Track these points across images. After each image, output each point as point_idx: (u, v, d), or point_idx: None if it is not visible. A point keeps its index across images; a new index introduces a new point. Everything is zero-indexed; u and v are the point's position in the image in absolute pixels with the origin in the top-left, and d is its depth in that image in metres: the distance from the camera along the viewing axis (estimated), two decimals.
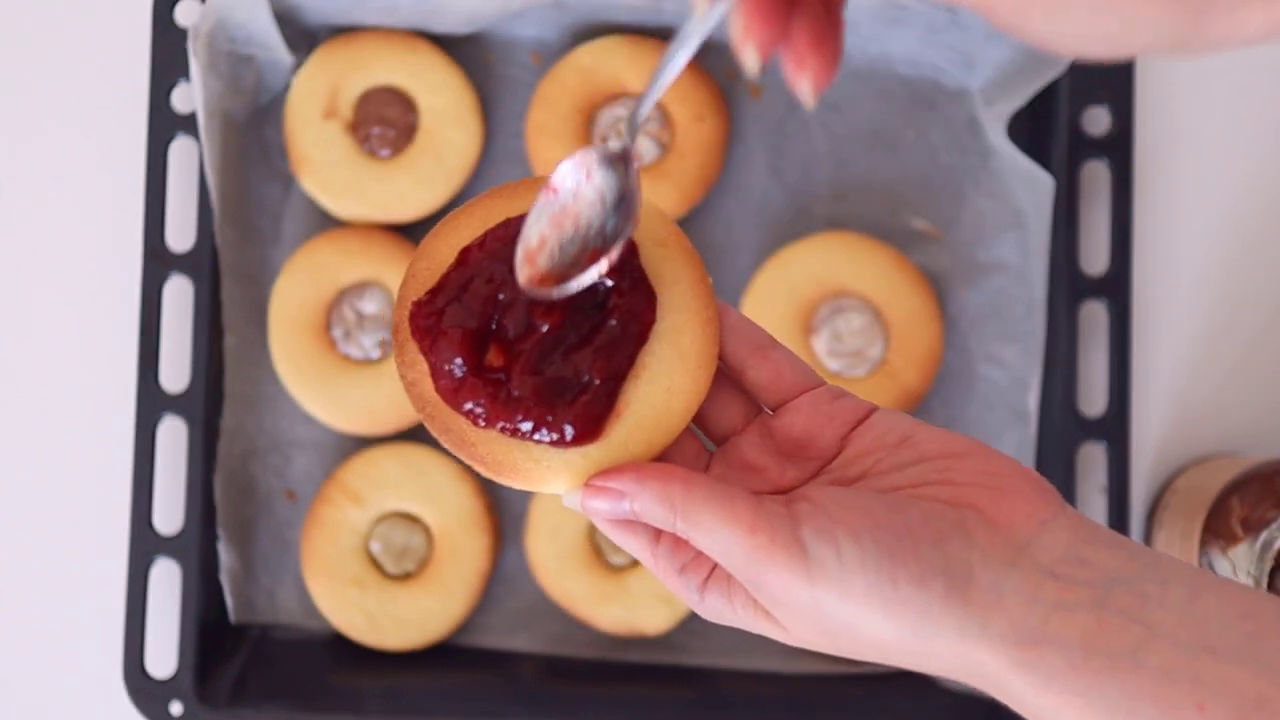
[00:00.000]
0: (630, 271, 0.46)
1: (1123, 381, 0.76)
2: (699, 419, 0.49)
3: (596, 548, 0.77)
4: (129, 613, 0.74)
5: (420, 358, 0.46)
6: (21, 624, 0.79)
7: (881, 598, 0.41)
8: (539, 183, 0.47)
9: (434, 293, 0.46)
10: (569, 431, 0.45)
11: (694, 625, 0.78)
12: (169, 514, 0.77)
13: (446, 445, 0.46)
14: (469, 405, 0.45)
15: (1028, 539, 0.42)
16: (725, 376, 0.49)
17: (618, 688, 0.76)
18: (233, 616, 0.78)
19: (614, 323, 0.46)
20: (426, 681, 0.76)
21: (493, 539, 0.78)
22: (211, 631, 0.76)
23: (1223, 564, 0.69)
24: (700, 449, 0.49)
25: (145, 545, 0.75)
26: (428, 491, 0.77)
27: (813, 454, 0.47)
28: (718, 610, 0.45)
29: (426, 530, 0.78)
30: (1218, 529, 0.69)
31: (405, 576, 0.77)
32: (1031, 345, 0.77)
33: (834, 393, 0.47)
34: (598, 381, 0.45)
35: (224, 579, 0.77)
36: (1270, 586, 0.67)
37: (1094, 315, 0.78)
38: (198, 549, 0.75)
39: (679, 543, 0.45)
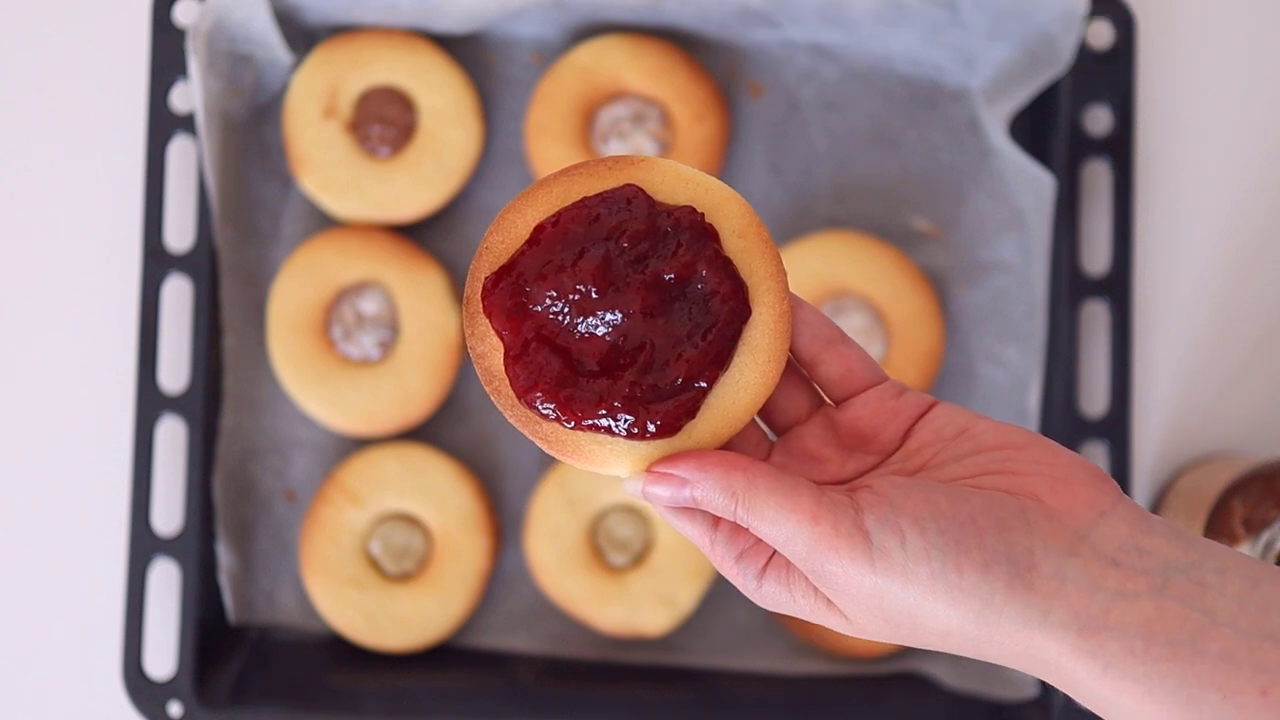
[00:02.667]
0: (726, 271, 0.46)
1: (1124, 381, 0.76)
2: (763, 409, 0.49)
3: (596, 548, 0.77)
4: (128, 613, 0.74)
5: (491, 333, 0.46)
6: (21, 624, 0.79)
7: (946, 585, 0.41)
8: (621, 162, 0.47)
9: (506, 269, 0.46)
10: (651, 429, 0.45)
11: (694, 626, 0.78)
12: (168, 514, 0.77)
13: (510, 420, 0.46)
14: (544, 407, 0.45)
15: (1087, 528, 0.43)
16: (791, 367, 0.49)
17: (618, 688, 0.76)
18: (232, 617, 0.77)
19: (716, 328, 0.45)
20: (426, 682, 0.76)
21: (492, 539, 0.77)
22: (210, 632, 0.76)
23: None
24: (761, 438, 0.49)
25: (144, 546, 0.75)
26: (427, 492, 0.77)
27: (875, 448, 0.47)
28: (776, 598, 0.45)
29: (426, 531, 0.77)
30: (1219, 529, 0.69)
31: (405, 577, 0.77)
32: (1032, 345, 0.77)
33: (898, 388, 0.48)
34: (702, 385, 0.45)
35: (223, 579, 0.77)
36: None
37: (1095, 315, 0.78)
38: (197, 549, 0.75)
39: (737, 530, 0.45)
